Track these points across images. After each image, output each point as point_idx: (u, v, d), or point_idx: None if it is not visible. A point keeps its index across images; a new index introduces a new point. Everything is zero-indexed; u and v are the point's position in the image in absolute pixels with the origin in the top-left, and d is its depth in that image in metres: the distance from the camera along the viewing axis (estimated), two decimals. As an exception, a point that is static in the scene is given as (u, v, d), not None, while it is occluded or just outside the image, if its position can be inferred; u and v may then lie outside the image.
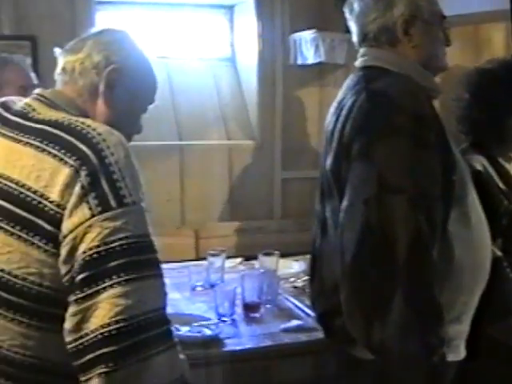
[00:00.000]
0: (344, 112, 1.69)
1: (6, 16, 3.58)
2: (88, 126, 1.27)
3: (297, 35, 3.83)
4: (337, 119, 1.73)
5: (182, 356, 1.30)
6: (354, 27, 1.82)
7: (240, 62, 4.17)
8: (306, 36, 3.73)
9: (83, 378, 1.19)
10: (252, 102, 3.99)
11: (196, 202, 3.80)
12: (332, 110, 1.83)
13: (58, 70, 1.47)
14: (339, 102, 1.78)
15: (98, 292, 1.17)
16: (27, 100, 1.40)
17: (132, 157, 1.26)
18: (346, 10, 1.84)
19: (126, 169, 1.23)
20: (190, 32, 4.19)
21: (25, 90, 2.59)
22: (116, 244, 1.18)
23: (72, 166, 1.21)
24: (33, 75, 2.84)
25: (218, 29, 4.25)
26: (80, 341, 1.18)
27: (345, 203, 1.60)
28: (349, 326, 1.59)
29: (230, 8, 4.24)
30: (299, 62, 3.84)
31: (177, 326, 1.97)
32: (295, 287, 2.69)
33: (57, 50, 1.51)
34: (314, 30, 3.67)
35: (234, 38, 4.22)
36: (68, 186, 1.20)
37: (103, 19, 3.88)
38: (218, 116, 3.98)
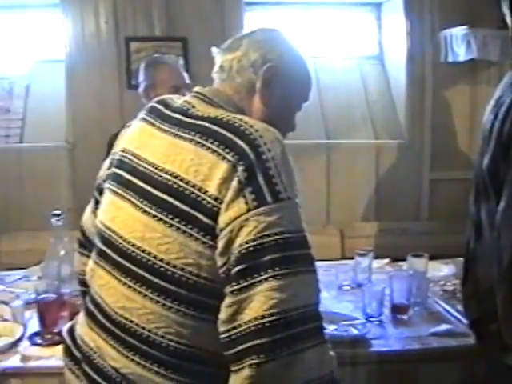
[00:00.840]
0: (503, 110, 1.62)
1: (157, 18, 3.75)
2: (245, 122, 1.29)
3: (447, 32, 3.74)
4: (495, 117, 1.66)
5: (331, 353, 1.29)
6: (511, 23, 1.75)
7: (388, 60, 4.12)
8: (457, 32, 3.64)
9: (234, 368, 1.21)
10: (400, 100, 3.94)
11: (342, 201, 3.80)
12: (489, 108, 1.75)
13: (216, 68, 1.51)
14: (497, 99, 1.71)
15: (253, 285, 1.19)
16: (187, 98, 1.45)
17: (288, 153, 1.28)
18: (504, 5, 1.76)
19: (281, 165, 1.25)
20: (336, 30, 4.20)
21: (177, 90, 2.69)
22: (271, 238, 1.20)
23: (230, 161, 1.24)
24: (185, 75, 2.93)
25: (366, 27, 4.23)
26: (233, 331, 1.21)
27: (502, 204, 1.54)
28: (504, 331, 1.53)
29: (378, 6, 4.22)
30: (450, 59, 3.74)
31: (324, 324, 1.96)
32: (445, 291, 2.61)
33: (214, 50, 1.54)
34: (465, 27, 3.57)
35: (382, 36, 4.18)
36: (225, 181, 1.23)
37: (251, 19, 3.96)
38: (366, 115, 3.96)
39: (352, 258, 2.77)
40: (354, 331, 2.16)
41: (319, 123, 3.88)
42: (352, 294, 2.56)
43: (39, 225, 3.43)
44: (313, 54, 4.06)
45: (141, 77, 2.96)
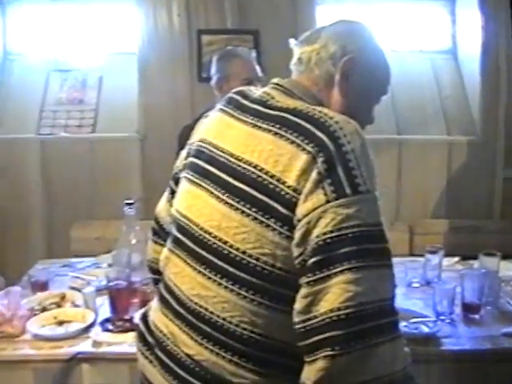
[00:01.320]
0: None
1: (229, 11, 3.77)
2: (325, 114, 1.28)
3: (523, 26, 3.65)
4: None
5: (406, 349, 1.28)
6: None
7: (461, 55, 4.05)
8: (533, 27, 3.55)
9: (308, 359, 1.20)
10: (474, 95, 3.87)
11: (412, 197, 3.76)
12: None
13: (294, 60, 1.50)
14: None
15: (329, 276, 1.18)
16: (266, 89, 1.45)
17: (368, 146, 1.26)
18: None
19: (361, 157, 1.23)
20: (409, 24, 4.15)
21: (249, 83, 2.68)
22: (349, 231, 1.19)
23: (309, 152, 1.23)
24: (258, 68, 2.93)
25: (439, 21, 4.17)
26: (308, 322, 1.20)
27: None
28: None
29: (452, 0, 4.14)
30: (525, 54, 3.66)
31: (396, 319, 1.94)
32: (517, 291, 2.56)
33: (292, 41, 1.54)
34: (540, 22, 3.48)
35: (456, 30, 4.11)
36: (305, 172, 1.22)
37: (323, 13, 3.94)
38: (438, 110, 3.90)
39: (420, 255, 2.73)
40: (425, 329, 2.13)
41: (390, 118, 3.83)
42: (421, 291, 2.53)
43: (109, 214, 3.50)
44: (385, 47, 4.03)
45: (213, 69, 2.97)
